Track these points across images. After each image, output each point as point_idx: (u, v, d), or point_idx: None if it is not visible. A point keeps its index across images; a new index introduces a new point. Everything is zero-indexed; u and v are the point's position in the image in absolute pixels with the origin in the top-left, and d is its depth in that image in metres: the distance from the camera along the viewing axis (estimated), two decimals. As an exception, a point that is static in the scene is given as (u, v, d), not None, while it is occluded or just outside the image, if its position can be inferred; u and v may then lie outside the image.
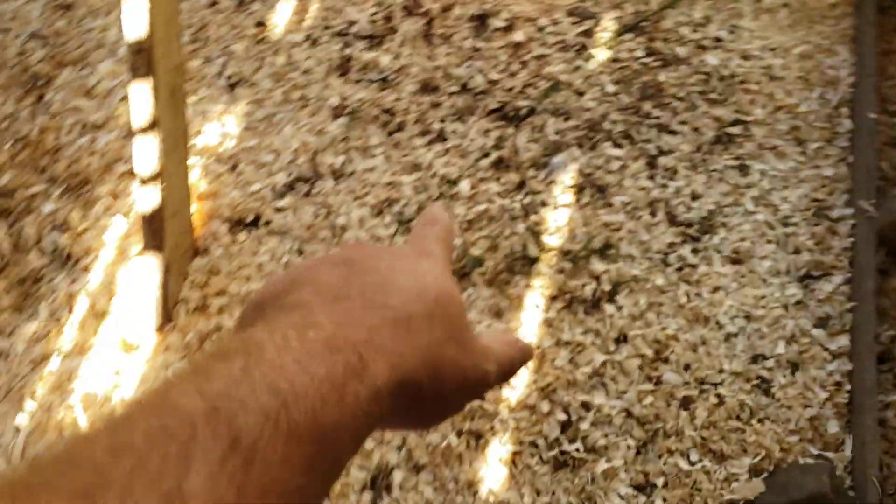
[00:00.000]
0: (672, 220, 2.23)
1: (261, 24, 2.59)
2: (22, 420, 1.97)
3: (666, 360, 2.04)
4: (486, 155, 2.30)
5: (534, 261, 2.15)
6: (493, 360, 0.44)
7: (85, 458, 0.27)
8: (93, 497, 0.25)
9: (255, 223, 2.24)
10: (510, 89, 2.44)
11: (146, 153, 1.89)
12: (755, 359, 2.05)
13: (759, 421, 1.97)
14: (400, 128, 2.37)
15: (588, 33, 2.56)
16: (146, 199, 1.94)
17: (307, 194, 2.28)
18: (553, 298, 2.11)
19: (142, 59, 1.81)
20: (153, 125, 1.87)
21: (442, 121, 2.38)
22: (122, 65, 2.51)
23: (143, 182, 1.93)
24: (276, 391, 0.31)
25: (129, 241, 2.21)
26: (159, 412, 0.30)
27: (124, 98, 2.44)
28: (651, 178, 2.29)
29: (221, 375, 0.32)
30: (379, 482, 1.87)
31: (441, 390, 0.40)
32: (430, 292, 0.40)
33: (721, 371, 2.03)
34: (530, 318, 2.08)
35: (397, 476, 1.88)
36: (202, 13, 2.60)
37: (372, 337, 0.36)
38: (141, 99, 1.84)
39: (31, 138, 2.36)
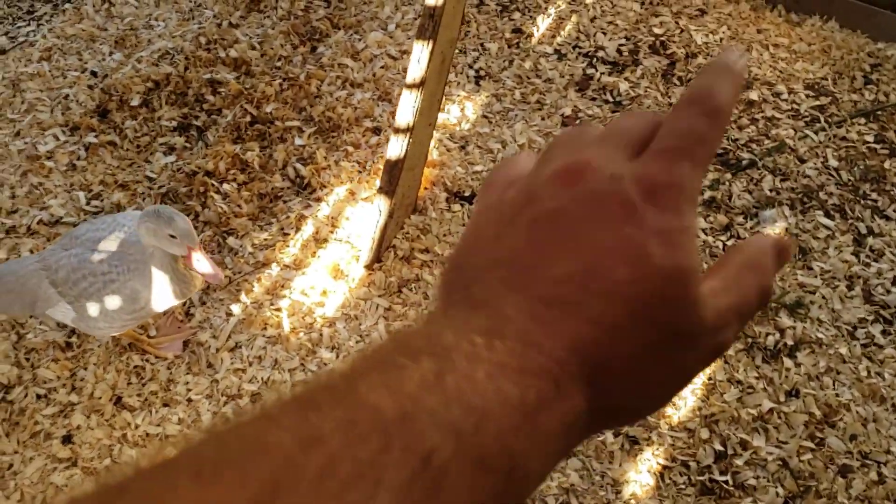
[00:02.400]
0: (868, 297, 2.25)
1: (518, 30, 2.82)
2: (235, 309, 2.21)
3: (833, 426, 2.05)
4: (700, 193, 2.41)
5: (723, 298, 2.22)
6: (734, 318, 0.35)
7: (273, 443, 0.26)
8: (279, 490, 0.25)
9: (470, 199, 2.43)
10: (735, 140, 2.54)
11: (407, 107, 2.12)
12: (926, 451, 2.03)
13: (918, 511, 1.95)
14: (622, 149, 2.52)
15: (822, 109, 2.63)
16: (394, 147, 2.17)
17: (523, 186, 2.45)
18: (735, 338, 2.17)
19: (431, 23, 2.04)
20: (421, 84, 2.10)
21: (663, 152, 2.50)
22: (388, 37, 2.79)
23: (396, 132, 2.15)
24: (469, 407, 0.28)
25: (360, 186, 2.45)
26: (348, 403, 0.28)
27: (384, 66, 2.72)
28: (856, 254, 2.32)
29: (411, 375, 0.29)
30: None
31: (647, 402, 0.34)
32: (649, 279, 0.32)
33: (888, 452, 2.02)
34: (707, 350, 2.15)
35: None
36: (468, 10, 2.86)
37: (568, 358, 0.31)
38: (419, 57, 2.07)
39: (299, 81, 2.66)
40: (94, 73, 2.72)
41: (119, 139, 2.55)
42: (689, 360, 0.34)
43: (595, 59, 2.74)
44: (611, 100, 2.64)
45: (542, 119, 2.60)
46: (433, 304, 0.39)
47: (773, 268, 0.37)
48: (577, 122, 2.58)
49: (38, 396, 2.08)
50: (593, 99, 2.64)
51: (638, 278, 0.32)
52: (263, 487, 0.24)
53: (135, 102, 2.62)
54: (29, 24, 2.89)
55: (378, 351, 0.31)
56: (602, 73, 2.70)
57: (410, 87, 2.11)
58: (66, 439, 2.02)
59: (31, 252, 2.30)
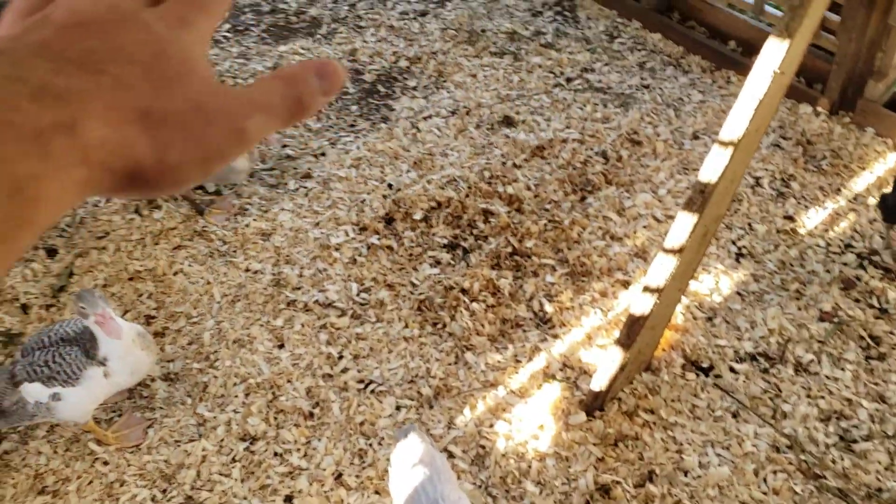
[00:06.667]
0: None
1: (789, 217, 2.81)
2: (459, 420, 2.35)
3: None
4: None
5: None
6: (256, 111, 0.37)
7: None
8: None
9: (706, 371, 2.42)
10: None
11: (662, 269, 2.20)
12: None
13: None
14: (880, 358, 2.39)
15: None
16: (640, 304, 2.24)
17: (764, 371, 2.40)
18: None
19: (701, 198, 2.13)
20: (679, 250, 2.18)
21: (928, 371, 2.34)
22: (656, 200, 2.91)
23: (645, 290, 2.23)
24: None
25: (598, 332, 2.54)
26: None
27: (646, 226, 2.83)
28: None
29: None
30: None
31: (168, 161, 0.35)
32: (156, 42, 0.36)
33: None
34: None
35: None
36: (743, 188, 2.91)
37: (83, 89, 0.32)
38: (682, 227, 2.16)
39: (563, 224, 2.85)
40: (390, 186, 3.10)
41: (396, 245, 2.86)
42: (212, 133, 0.36)
43: (866, 262, 2.65)
44: (876, 305, 2.52)
45: (798, 310, 2.54)
46: None
47: (309, 83, 0.39)
48: (835, 319, 2.50)
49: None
50: (857, 301, 2.54)
51: (147, 41, 0.36)
52: None
53: (417, 216, 2.93)
54: (349, 136, 3.37)
55: None
56: (872, 277, 2.60)
57: (669, 251, 2.19)
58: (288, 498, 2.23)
59: (303, 326, 2.62)
